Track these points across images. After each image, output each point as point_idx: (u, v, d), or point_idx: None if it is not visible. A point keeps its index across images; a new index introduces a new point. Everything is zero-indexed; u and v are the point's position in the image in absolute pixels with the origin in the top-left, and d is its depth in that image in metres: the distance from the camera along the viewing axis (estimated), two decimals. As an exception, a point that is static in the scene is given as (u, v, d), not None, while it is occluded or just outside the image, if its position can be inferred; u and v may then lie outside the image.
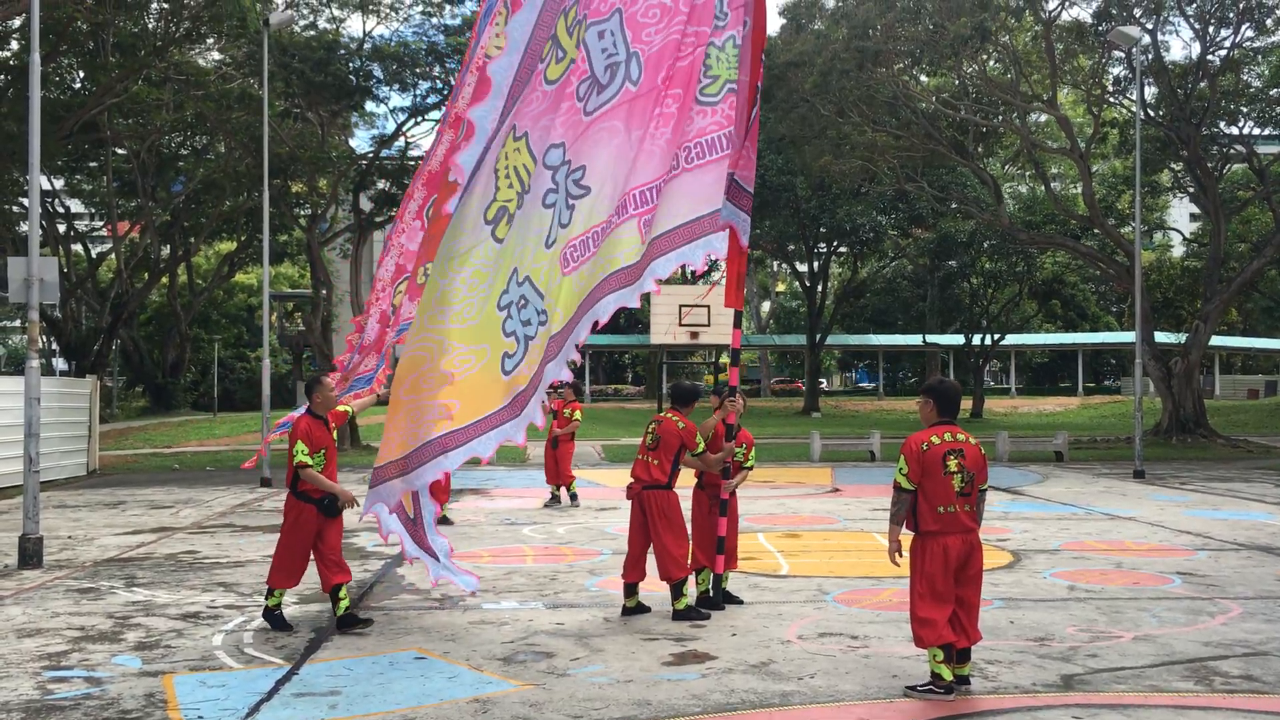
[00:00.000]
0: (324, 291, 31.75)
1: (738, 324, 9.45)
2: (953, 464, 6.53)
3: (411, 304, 9.11)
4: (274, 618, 8.40)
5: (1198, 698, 6.48)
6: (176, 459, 28.36)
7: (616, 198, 7.94)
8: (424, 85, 30.19)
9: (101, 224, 48.35)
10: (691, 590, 8.88)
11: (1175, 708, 6.26)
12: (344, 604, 8.36)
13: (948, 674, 6.46)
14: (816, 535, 13.62)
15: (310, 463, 8.20)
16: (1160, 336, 39.78)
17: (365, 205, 32.52)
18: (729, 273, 9.10)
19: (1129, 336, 61.28)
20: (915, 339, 58.48)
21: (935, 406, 6.77)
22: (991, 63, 34.13)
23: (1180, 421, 31.76)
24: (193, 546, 12.91)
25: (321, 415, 8.48)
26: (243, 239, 44.81)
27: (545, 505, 16.79)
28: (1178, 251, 59.67)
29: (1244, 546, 12.50)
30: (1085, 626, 8.35)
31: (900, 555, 6.75)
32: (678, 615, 8.57)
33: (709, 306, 23.70)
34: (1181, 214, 71.43)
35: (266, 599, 8.52)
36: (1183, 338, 37.26)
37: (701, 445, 8.68)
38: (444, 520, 14.69)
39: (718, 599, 8.94)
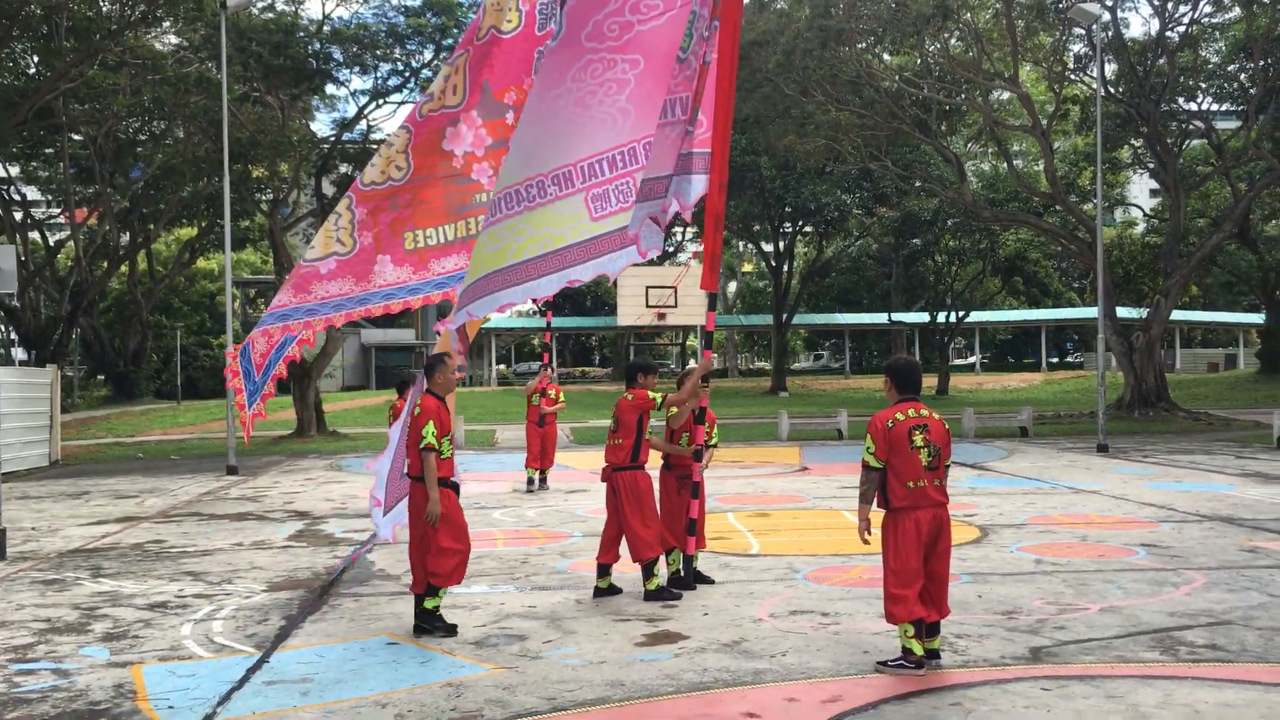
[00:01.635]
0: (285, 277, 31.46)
1: (712, 306, 9.28)
2: (919, 439, 6.60)
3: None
4: (438, 621, 7.72)
5: (1163, 667, 6.57)
6: (140, 448, 28.08)
7: (544, 163, 7.49)
8: (385, 68, 29.95)
9: (59, 211, 47.64)
10: (662, 571, 8.90)
11: (1141, 678, 6.35)
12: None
13: (919, 649, 6.52)
14: (786, 514, 13.68)
15: (438, 447, 7.47)
16: (1122, 312, 40.22)
17: (328, 190, 32.21)
18: (704, 254, 8.96)
19: (1091, 312, 61.81)
20: (881, 317, 58.73)
21: (894, 384, 6.87)
22: (954, 40, 34.23)
23: (1142, 395, 32.11)
24: (159, 536, 12.79)
25: (441, 397, 7.80)
26: (203, 225, 44.28)
27: (528, 490, 16.40)
28: (1139, 228, 60.25)
29: (1206, 518, 12.67)
30: (1052, 599, 8.44)
31: (869, 533, 6.80)
32: (649, 596, 8.59)
33: (676, 288, 23.70)
34: (1141, 190, 72.09)
35: (426, 600, 7.71)
36: (1144, 313, 37.62)
37: (659, 399, 8.69)
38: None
39: (689, 579, 8.97)
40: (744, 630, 7.61)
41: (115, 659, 7.17)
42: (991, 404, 40.30)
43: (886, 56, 36.18)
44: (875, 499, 6.71)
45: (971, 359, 71.27)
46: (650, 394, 8.70)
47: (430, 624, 7.69)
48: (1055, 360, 70.47)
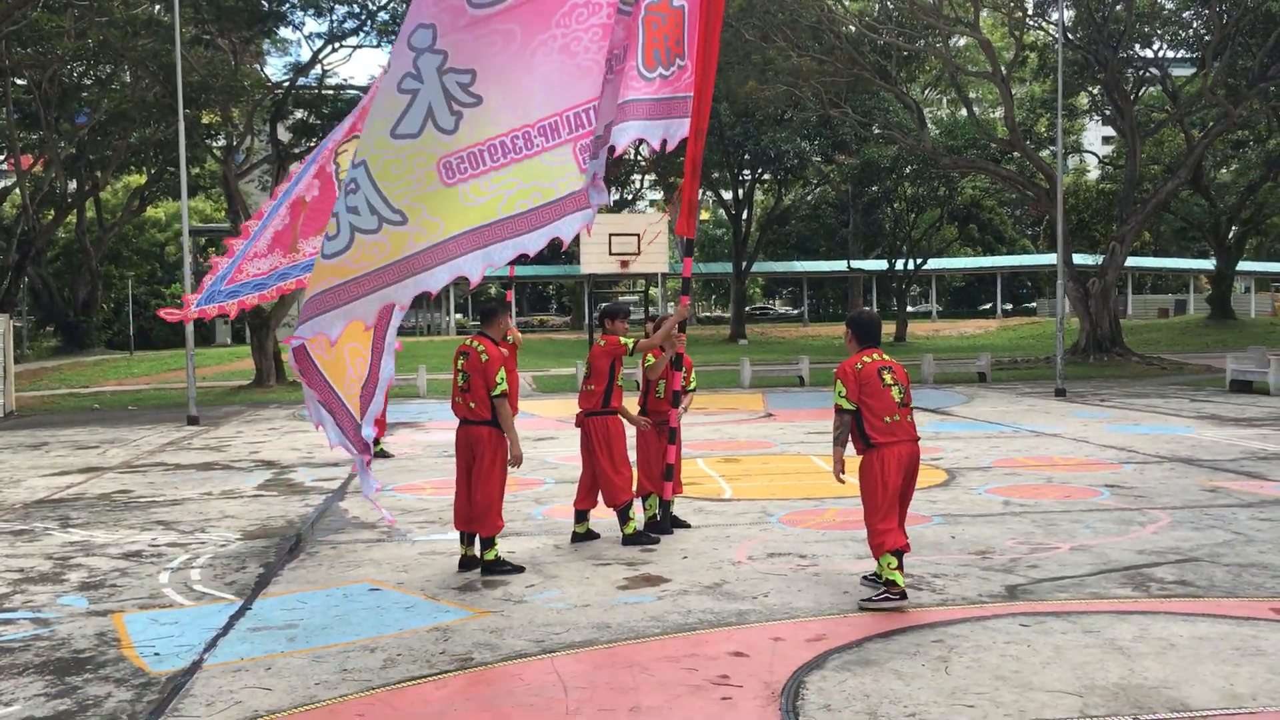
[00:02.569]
0: (240, 224, 30.96)
1: (689, 252, 9.20)
2: (888, 378, 6.82)
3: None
4: (502, 565, 7.78)
5: (1136, 603, 6.72)
6: (95, 399, 27.69)
7: (530, 114, 7.14)
8: (341, 10, 29.35)
9: (3, 158, 46.51)
10: (639, 515, 8.95)
11: (1116, 613, 6.49)
12: (493, 553, 7.85)
13: (901, 580, 6.64)
14: (755, 459, 13.78)
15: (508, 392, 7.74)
16: (1077, 258, 40.61)
17: (284, 136, 31.68)
18: (682, 199, 8.89)
19: (1046, 259, 62.48)
20: (839, 265, 58.97)
21: (855, 336, 7.03)
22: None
23: (1097, 341, 32.56)
24: (125, 486, 12.66)
25: (497, 342, 7.93)
26: (152, 172, 43.42)
27: None
28: (1092, 175, 60.78)
29: (1166, 459, 12.92)
30: (1023, 539, 8.59)
31: (844, 475, 6.90)
32: (627, 540, 8.64)
33: (639, 235, 23.63)
34: (1094, 137, 72.68)
35: (484, 552, 7.77)
36: (1099, 259, 38.06)
37: (631, 344, 8.61)
38: (381, 454, 14.61)
39: (666, 524, 9.03)
40: (724, 573, 7.69)
41: (95, 608, 7.12)
42: (949, 350, 40.73)
43: (846, 2, 36.00)
44: (849, 441, 6.84)
45: (928, 306, 71.79)
46: (622, 339, 8.60)
47: (498, 570, 7.77)
48: (1009, 306, 71.24)
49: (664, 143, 8.31)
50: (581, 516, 8.87)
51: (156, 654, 6.11)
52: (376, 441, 14.56)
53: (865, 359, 6.84)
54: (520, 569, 7.87)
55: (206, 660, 5.98)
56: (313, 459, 14.79)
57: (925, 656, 5.77)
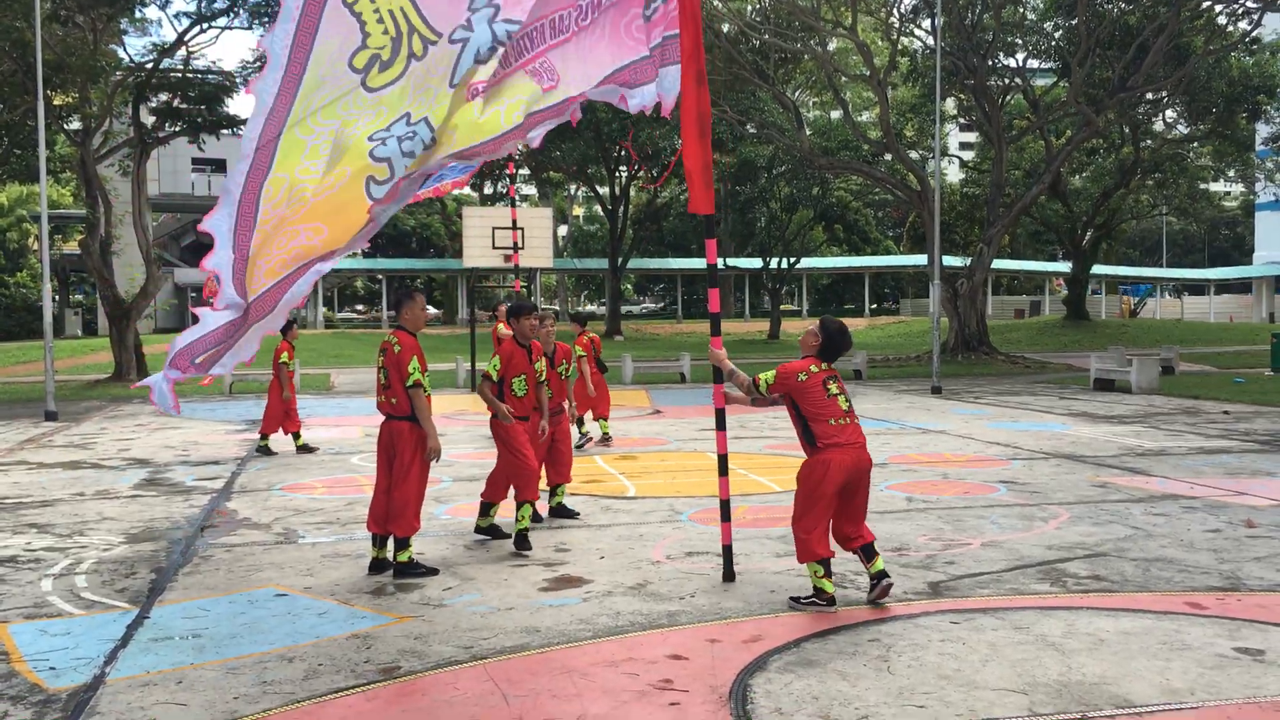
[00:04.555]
0: (100, 212, 29.46)
1: (711, 233, 7.46)
2: (834, 387, 6.77)
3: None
4: (415, 567, 7.58)
5: (1057, 598, 6.81)
6: (-60, 393, 26.05)
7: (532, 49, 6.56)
8: (210, -11, 28.18)
9: None
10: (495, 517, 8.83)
11: (1041, 609, 6.56)
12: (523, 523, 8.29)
13: (830, 587, 6.59)
14: (652, 456, 13.68)
15: (425, 383, 7.47)
16: (944, 260, 41.77)
17: (147, 120, 30.28)
18: (691, 165, 7.06)
19: (910, 260, 64.22)
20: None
21: (822, 344, 6.81)
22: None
23: (965, 340, 33.53)
24: (-13, 487, 11.86)
25: (413, 332, 7.65)
26: (-2, 155, 41.03)
27: None
28: (953, 178, 62.68)
29: (1051, 455, 13.28)
30: (935, 535, 8.67)
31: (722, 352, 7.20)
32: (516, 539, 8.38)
33: (523, 229, 23.27)
34: (953, 143, 74.97)
35: (398, 553, 7.49)
36: (964, 261, 39.20)
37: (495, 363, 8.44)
38: (265, 450, 14.06)
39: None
40: (645, 572, 7.54)
41: (-26, 620, 6.58)
42: (821, 348, 41.34)
43: (717, 2, 36.21)
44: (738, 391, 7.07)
45: (796, 305, 72.97)
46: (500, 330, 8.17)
47: (411, 573, 7.50)
48: (875, 306, 72.91)
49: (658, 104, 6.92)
50: (486, 509, 8.77)
51: (52, 668, 5.65)
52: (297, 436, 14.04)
53: (813, 368, 6.74)
54: (434, 571, 7.59)
55: (109, 674, 5.56)
56: (189, 457, 14.12)
57: (865, 656, 5.72)
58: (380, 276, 64.10)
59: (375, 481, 7.70)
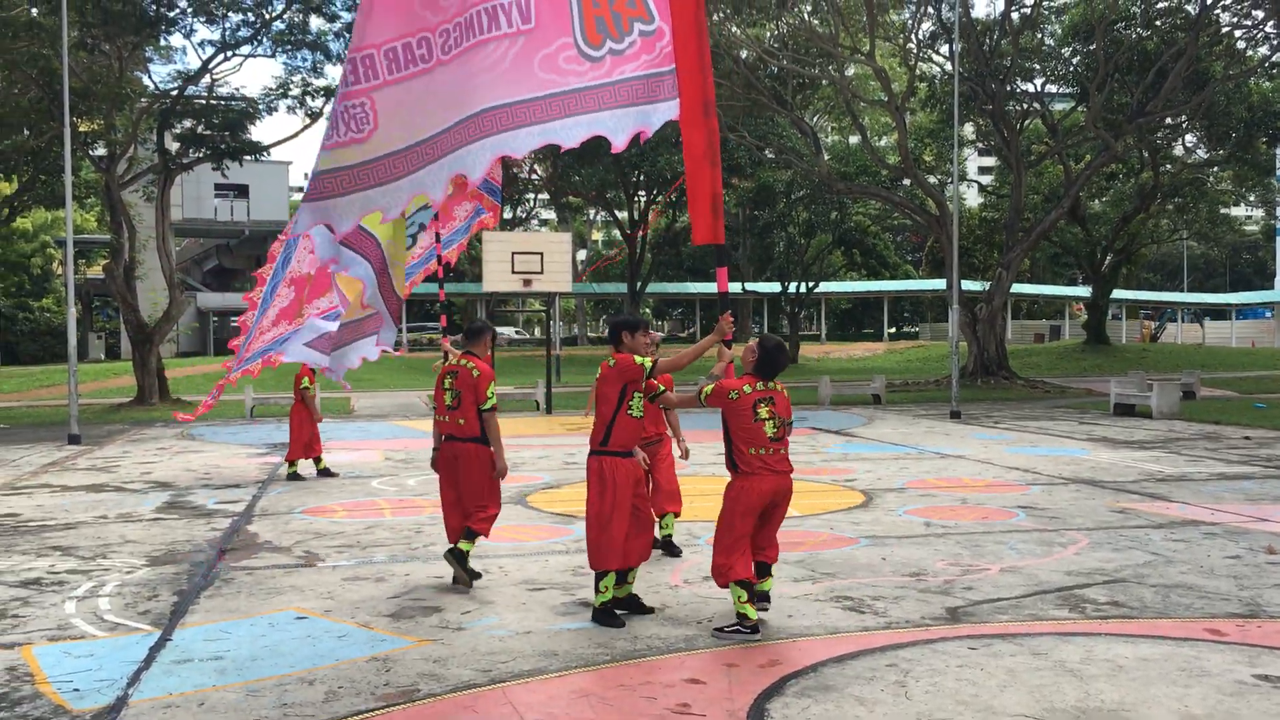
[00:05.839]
0: (125, 237, 29.75)
1: (723, 261, 7.00)
2: (764, 411, 6.72)
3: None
4: (465, 563, 7.88)
5: (1076, 624, 6.80)
6: (-35, 416, 26.29)
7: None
8: (235, 18, 28.53)
9: None
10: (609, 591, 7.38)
11: (1059, 635, 6.55)
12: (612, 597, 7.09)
13: (753, 613, 6.60)
14: (670, 480, 13.67)
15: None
16: (963, 284, 41.72)
17: (171, 146, 30.62)
18: (698, 196, 6.74)
19: (929, 284, 64.09)
20: (733, 287, 59.33)
21: (756, 360, 6.81)
22: (808, 10, 34.69)
23: (984, 364, 33.45)
24: (11, 509, 11.97)
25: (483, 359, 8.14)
26: (24, 180, 41.52)
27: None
28: (972, 202, 62.63)
29: (1071, 480, 13.24)
30: (952, 560, 8.66)
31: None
32: (596, 616, 7.02)
33: (542, 254, 23.40)
34: (972, 167, 74.97)
35: (463, 540, 7.80)
36: (983, 285, 39.12)
37: (649, 364, 6.96)
38: (295, 476, 14.14)
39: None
40: (663, 596, 7.56)
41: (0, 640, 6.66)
42: (841, 372, 41.34)
43: (734, 29, 36.42)
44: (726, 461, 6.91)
45: (815, 330, 72.93)
46: (637, 359, 6.97)
47: (461, 564, 7.88)
48: (893, 330, 72.83)
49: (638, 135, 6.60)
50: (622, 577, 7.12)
51: (76, 690, 5.72)
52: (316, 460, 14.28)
53: (746, 388, 6.71)
54: (477, 574, 7.94)
55: (132, 696, 5.61)
56: (211, 480, 14.22)
57: (882, 681, 5.73)
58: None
59: (442, 498, 7.99)
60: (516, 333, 72.69)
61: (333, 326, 10.44)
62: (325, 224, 6.23)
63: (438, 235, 9.29)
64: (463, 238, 10.21)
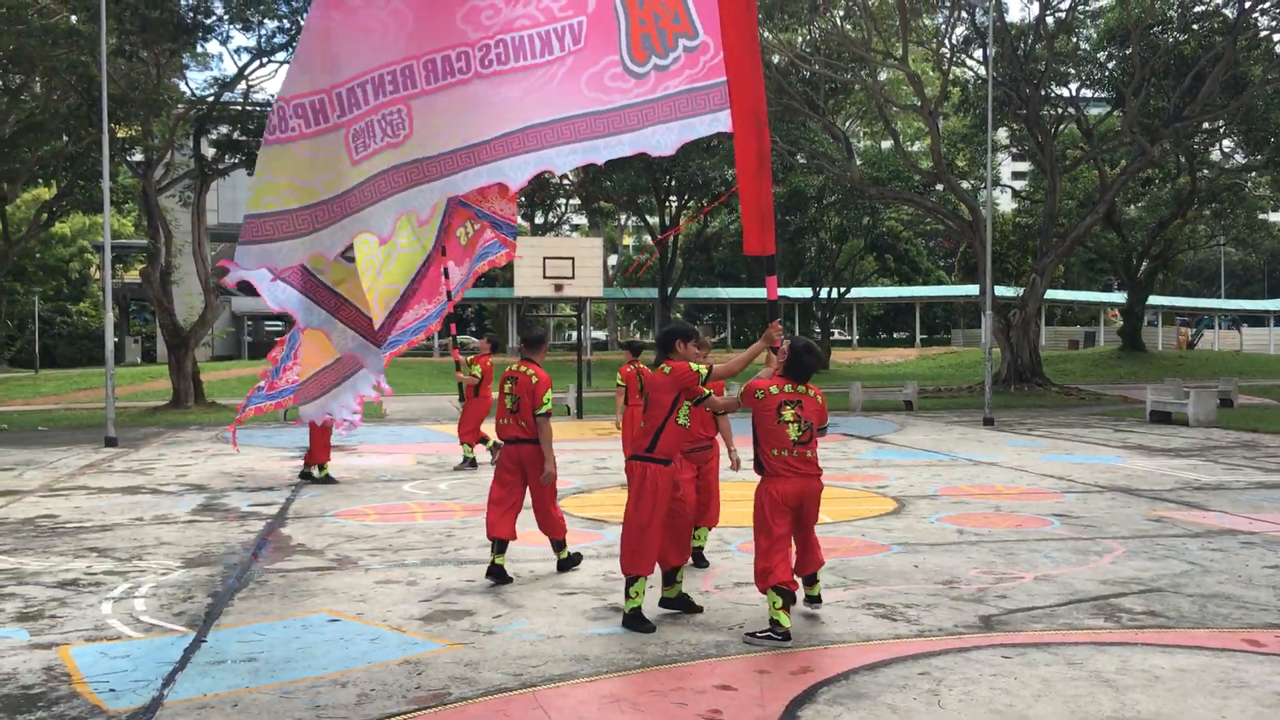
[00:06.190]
0: (161, 241, 30.08)
1: (770, 270, 6.88)
2: (788, 414, 6.74)
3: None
4: (574, 560, 8.69)
5: (1111, 634, 6.73)
6: (4, 419, 26.65)
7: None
8: (270, 25, 28.79)
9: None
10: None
11: (1094, 644, 6.49)
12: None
13: (786, 620, 6.57)
14: (701, 486, 13.65)
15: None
16: (996, 290, 41.46)
17: (208, 152, 30.93)
18: (748, 208, 6.66)
19: (961, 290, 63.76)
20: (763, 292, 59.25)
21: (787, 362, 6.81)
22: (841, 15, 34.59)
23: (1018, 370, 33.20)
24: (48, 510, 12.11)
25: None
26: (62, 185, 42.03)
27: (471, 467, 15.42)
28: (1005, 207, 62.21)
29: (1106, 489, 13.11)
30: (986, 568, 8.60)
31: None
32: (625, 620, 7.00)
33: (573, 259, 23.45)
34: (1005, 172, 74.45)
35: (559, 551, 8.61)
36: (1017, 291, 38.89)
37: (705, 370, 7.02)
38: (326, 479, 14.21)
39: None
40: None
41: (37, 640, 6.73)
42: (872, 378, 41.18)
43: (767, 34, 36.37)
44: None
45: (847, 335, 72.68)
46: (692, 366, 6.95)
47: (571, 565, 8.65)
48: (925, 336, 72.44)
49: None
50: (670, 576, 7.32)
51: (112, 690, 5.77)
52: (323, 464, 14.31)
53: (773, 389, 6.76)
54: (580, 557, 8.76)
55: (167, 696, 5.66)
56: (245, 483, 14.32)
57: (915, 689, 5.69)
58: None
59: (491, 493, 8.31)
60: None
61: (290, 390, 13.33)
62: (314, 254, 5.91)
63: (446, 271, 9.98)
64: (478, 265, 10.63)
